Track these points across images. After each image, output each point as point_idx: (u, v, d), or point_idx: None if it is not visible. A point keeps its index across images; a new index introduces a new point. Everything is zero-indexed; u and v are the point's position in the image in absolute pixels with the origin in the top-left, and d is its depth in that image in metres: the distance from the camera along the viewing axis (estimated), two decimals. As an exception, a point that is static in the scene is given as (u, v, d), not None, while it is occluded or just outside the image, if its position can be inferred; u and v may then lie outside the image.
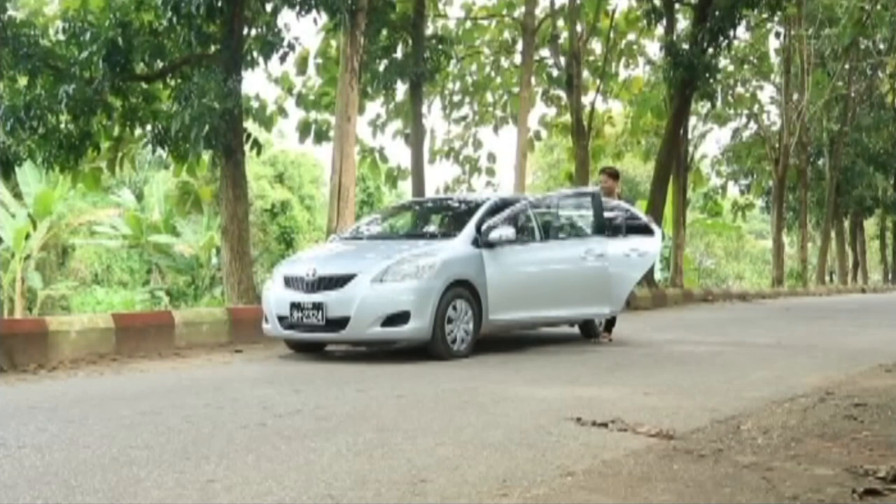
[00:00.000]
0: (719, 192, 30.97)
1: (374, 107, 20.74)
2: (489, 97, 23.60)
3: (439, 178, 78.25)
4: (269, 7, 12.03)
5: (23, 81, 11.38)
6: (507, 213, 8.14)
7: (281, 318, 7.46)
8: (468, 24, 21.59)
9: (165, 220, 26.72)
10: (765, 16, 23.40)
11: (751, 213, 34.06)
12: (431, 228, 8.94)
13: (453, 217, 8.78)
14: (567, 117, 21.17)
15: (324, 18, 12.84)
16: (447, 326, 7.30)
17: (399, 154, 72.93)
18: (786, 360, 7.24)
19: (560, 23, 19.72)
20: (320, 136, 19.11)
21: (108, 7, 11.31)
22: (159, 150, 12.69)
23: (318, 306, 7.18)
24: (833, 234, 33.19)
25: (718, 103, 24.10)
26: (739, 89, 27.69)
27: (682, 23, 21.32)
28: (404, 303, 7.11)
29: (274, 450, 3.69)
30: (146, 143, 12.71)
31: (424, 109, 18.66)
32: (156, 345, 7.95)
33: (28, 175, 23.10)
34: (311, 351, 7.96)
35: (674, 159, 18.63)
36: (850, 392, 5.32)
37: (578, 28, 19.00)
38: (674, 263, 20.63)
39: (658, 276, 19.88)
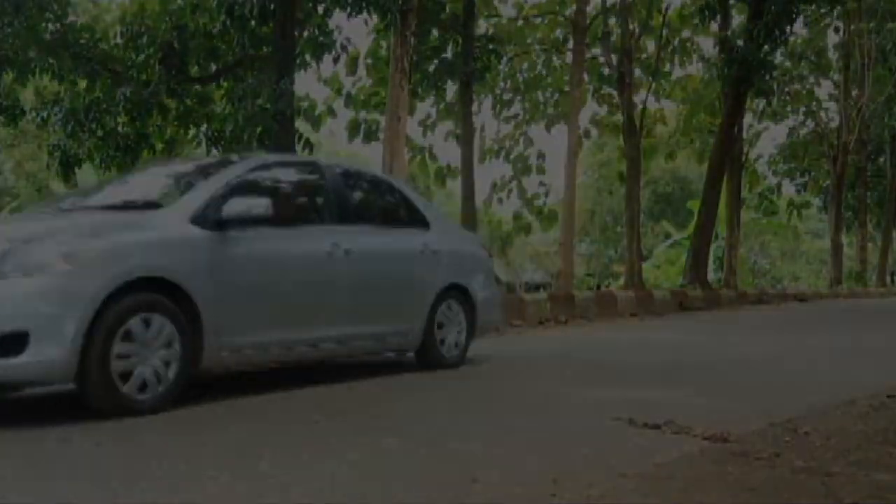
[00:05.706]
0: (774, 190, 30.41)
1: (425, 107, 20.82)
2: (539, 96, 23.53)
3: (490, 177, 78.10)
4: (320, 9, 12.16)
5: (82, 85, 11.66)
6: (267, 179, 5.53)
7: None
8: (519, 22, 21.56)
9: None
10: (823, 10, 22.89)
11: (808, 212, 33.34)
12: (148, 195, 5.33)
13: (186, 182, 5.47)
14: (618, 116, 21.00)
15: (374, 19, 12.94)
16: (114, 360, 4.23)
17: (450, 153, 73.18)
18: (845, 362, 7.07)
19: (612, 20, 19.57)
20: (369, 136, 19.28)
21: (165, 11, 11.55)
22: (213, 151, 12.92)
23: None
24: (894, 234, 32.34)
25: (774, 101, 23.64)
26: (796, 86, 27.15)
27: (737, 18, 20.98)
28: (21, 317, 4.07)
29: (327, 448, 3.72)
30: (198, 143, 12.96)
31: (474, 108, 18.68)
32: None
33: (87, 177, 23.69)
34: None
35: (727, 158, 18.33)
36: (913, 396, 5.17)
37: (630, 25, 18.82)
38: (727, 264, 20.30)
39: (711, 276, 19.58)
